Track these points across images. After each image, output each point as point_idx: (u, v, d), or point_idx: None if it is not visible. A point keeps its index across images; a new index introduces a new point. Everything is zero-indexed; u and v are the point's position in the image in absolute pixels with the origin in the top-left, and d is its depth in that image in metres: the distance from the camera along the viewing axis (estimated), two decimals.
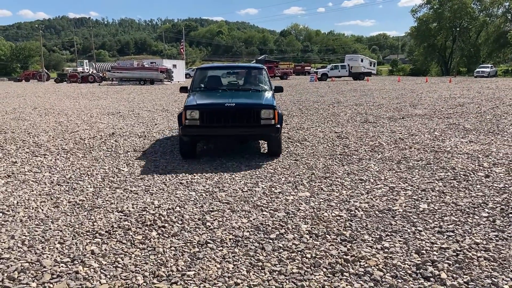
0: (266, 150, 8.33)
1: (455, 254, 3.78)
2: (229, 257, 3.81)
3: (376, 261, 3.69)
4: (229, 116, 7.47)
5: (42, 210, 5.13)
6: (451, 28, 76.81)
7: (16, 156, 8.19)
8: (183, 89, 9.41)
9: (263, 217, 4.77)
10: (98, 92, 30.27)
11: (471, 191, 5.61)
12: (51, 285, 3.36)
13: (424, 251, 3.84)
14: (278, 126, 7.60)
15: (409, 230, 4.34)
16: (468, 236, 4.17)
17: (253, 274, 3.52)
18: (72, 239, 4.23)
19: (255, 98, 8.32)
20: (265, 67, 9.92)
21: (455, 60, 75.95)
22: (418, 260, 3.68)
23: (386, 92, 25.73)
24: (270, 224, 4.55)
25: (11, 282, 3.41)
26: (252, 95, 8.62)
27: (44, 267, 3.63)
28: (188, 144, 7.79)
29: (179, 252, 3.93)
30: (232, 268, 3.62)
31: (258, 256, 3.82)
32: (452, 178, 6.23)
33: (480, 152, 7.90)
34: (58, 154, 8.35)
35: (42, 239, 4.23)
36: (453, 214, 4.78)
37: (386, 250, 3.90)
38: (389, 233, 4.27)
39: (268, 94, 8.49)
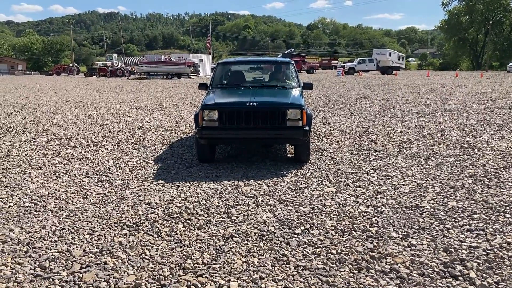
0: (293, 155, 7.48)
1: (485, 253, 3.70)
2: (254, 251, 3.82)
3: (402, 258, 3.64)
4: (251, 117, 6.66)
5: (72, 201, 5.25)
6: (483, 21, 74.73)
7: (47, 148, 8.40)
8: (202, 86, 8.56)
9: (288, 212, 4.77)
10: (126, 86, 30.73)
11: (502, 189, 5.47)
12: (81, 275, 3.44)
13: (452, 250, 3.77)
14: (307, 128, 6.68)
15: (437, 228, 4.26)
16: (499, 235, 4.06)
17: (277, 268, 3.53)
18: (101, 230, 4.32)
19: (281, 97, 7.43)
20: (292, 61, 8.99)
21: (487, 54, 73.92)
22: (446, 259, 3.61)
23: (414, 86, 25.27)
24: (295, 219, 4.54)
25: (43, 270, 3.51)
26: (277, 93, 7.73)
27: (74, 257, 3.73)
28: (205, 147, 7.07)
29: (205, 245, 3.97)
30: (257, 262, 3.64)
31: (283, 251, 3.82)
32: (483, 175, 6.09)
33: None
34: (87, 147, 8.53)
35: (72, 229, 4.34)
36: (483, 212, 4.67)
37: (413, 247, 3.85)
38: (416, 230, 4.21)
39: (296, 92, 7.59)
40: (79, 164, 7.13)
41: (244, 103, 6.73)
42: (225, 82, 8.37)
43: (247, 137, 6.88)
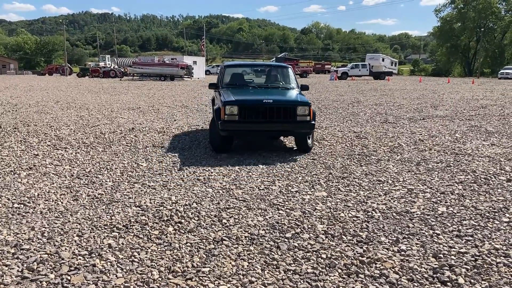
0: (295, 147, 8.54)
1: (473, 259, 3.72)
2: (244, 255, 3.81)
3: (392, 263, 3.66)
4: (267, 112, 7.68)
5: (62, 202, 5.21)
6: (475, 28, 75.46)
7: (38, 149, 8.34)
8: (212, 85, 9.40)
9: (279, 216, 4.77)
10: (119, 87, 30.62)
11: (491, 195, 5.51)
12: (69, 277, 3.41)
13: (441, 255, 3.79)
14: (313, 122, 7.90)
15: (426, 233, 4.28)
16: (487, 241, 4.09)
17: (267, 272, 3.52)
18: (90, 232, 4.29)
19: (289, 96, 8.57)
20: (290, 66, 10.09)
21: (479, 61, 74.55)
22: (435, 264, 3.63)
23: (407, 92, 25.42)
24: (286, 223, 4.54)
25: (30, 272, 3.48)
26: (284, 92, 8.85)
27: (63, 259, 3.70)
28: (224, 139, 7.99)
29: (195, 248, 3.95)
30: (247, 266, 3.63)
31: (273, 255, 3.82)
32: (473, 181, 6.13)
33: (502, 156, 7.75)
34: (78, 148, 8.48)
35: (61, 231, 4.31)
36: (473, 218, 4.70)
37: (402, 252, 3.86)
38: (406, 236, 4.23)
39: (298, 92, 8.78)
40: (69, 165, 7.09)
41: (261, 101, 7.80)
42: (233, 83, 9.25)
43: (263, 129, 7.96)
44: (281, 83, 9.41)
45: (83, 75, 58.60)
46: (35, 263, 3.62)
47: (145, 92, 25.71)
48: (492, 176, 6.35)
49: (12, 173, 6.56)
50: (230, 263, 3.67)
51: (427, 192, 5.66)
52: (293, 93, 8.68)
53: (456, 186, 5.89)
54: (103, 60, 72.05)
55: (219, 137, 7.94)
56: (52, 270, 3.53)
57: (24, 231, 4.30)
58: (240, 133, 8.29)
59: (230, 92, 8.43)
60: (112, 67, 60.62)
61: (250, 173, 6.62)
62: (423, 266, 3.62)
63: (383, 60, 59.24)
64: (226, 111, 7.66)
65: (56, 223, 4.51)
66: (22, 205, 5.09)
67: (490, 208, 5.00)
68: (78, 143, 8.93)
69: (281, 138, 9.64)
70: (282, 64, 10.91)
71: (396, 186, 5.94)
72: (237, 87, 8.99)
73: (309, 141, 8.26)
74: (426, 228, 4.43)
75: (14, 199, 5.30)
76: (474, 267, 3.58)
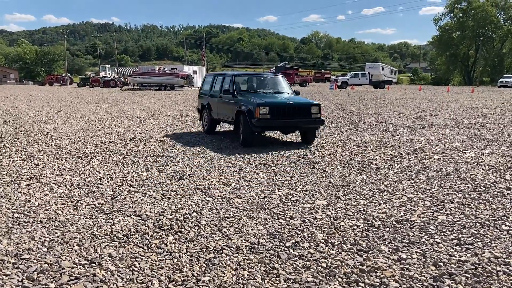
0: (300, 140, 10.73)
1: (473, 267, 3.72)
2: (245, 264, 3.81)
3: (392, 272, 3.65)
4: (290, 111, 9.81)
5: (62, 212, 5.22)
6: (474, 37, 75.75)
7: (38, 159, 8.36)
8: (226, 92, 10.95)
9: (279, 225, 4.77)
10: (119, 97, 30.70)
11: (491, 203, 5.51)
12: (69, 287, 3.41)
13: (441, 264, 3.79)
14: (323, 119, 10.29)
15: (426, 242, 4.28)
16: (487, 249, 4.09)
17: (268, 281, 3.52)
18: (91, 241, 4.29)
19: (301, 99, 10.66)
20: (283, 75, 12.60)
21: (478, 70, 74.78)
22: (435, 273, 3.63)
23: (406, 101, 25.49)
24: (286, 232, 4.54)
25: (31, 282, 3.48)
26: (294, 96, 10.85)
27: (63, 268, 3.70)
28: (253, 135, 10.02)
29: (195, 257, 3.95)
30: (247, 275, 3.63)
31: (273, 264, 3.81)
32: (472, 190, 6.14)
33: (502, 164, 7.76)
34: (79, 157, 8.49)
35: (61, 241, 4.31)
36: (473, 226, 4.70)
37: (402, 261, 3.86)
38: (406, 244, 4.23)
39: (300, 96, 11.18)
40: (70, 175, 7.10)
41: (286, 102, 10.02)
42: (244, 89, 11.29)
43: (287, 125, 10.11)
44: (283, 89, 11.42)
45: (84, 85, 58.75)
46: (35, 272, 3.62)
47: (145, 101, 25.78)
48: (492, 185, 6.36)
49: (13, 182, 6.57)
50: (230, 272, 3.67)
51: (427, 200, 5.66)
52: (300, 97, 10.96)
53: (456, 195, 5.90)
54: (103, 70, 72.28)
55: (248, 133, 9.89)
56: (52, 279, 3.52)
57: (24, 240, 4.30)
58: (270, 129, 10.52)
59: (251, 96, 10.49)
60: (112, 76, 60.82)
61: (250, 182, 6.62)
62: (423, 274, 3.61)
63: (382, 69, 59.42)
64: (260, 111, 9.54)
65: (56, 233, 4.51)
66: (22, 215, 5.09)
67: (490, 217, 5.00)
68: (78, 153, 8.95)
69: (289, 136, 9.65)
70: (279, 74, 13.20)
71: (396, 194, 5.95)
72: (252, 93, 11.03)
73: (314, 136, 10.39)
74: (426, 236, 4.43)
75: (14, 209, 5.30)
76: (474, 276, 3.58)
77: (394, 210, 5.29)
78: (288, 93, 11.10)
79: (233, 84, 10.94)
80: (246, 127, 9.80)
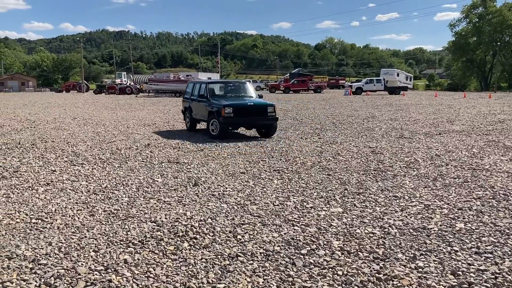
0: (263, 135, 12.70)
1: (493, 277, 3.64)
2: (260, 271, 3.79)
3: (409, 280, 3.60)
4: (250, 111, 12.36)
5: (78, 218, 5.26)
6: (491, 43, 74.74)
7: (55, 165, 8.46)
8: (201, 96, 13.39)
9: (294, 232, 4.74)
10: (135, 104, 30.99)
11: (511, 211, 5.41)
12: None
13: (460, 272, 3.72)
14: (277, 117, 12.67)
15: (444, 250, 4.21)
16: (507, 258, 4.01)
17: None
18: (106, 247, 4.31)
19: (260, 100, 13.15)
20: (249, 81, 16.58)
21: (496, 75, 73.72)
22: (454, 282, 3.57)
23: (422, 107, 25.27)
24: (301, 239, 4.51)
25: (48, 287, 3.50)
26: (254, 99, 13.24)
27: (79, 274, 3.72)
28: (225, 129, 12.15)
29: (210, 264, 3.95)
30: (262, 282, 3.61)
31: (289, 271, 3.79)
32: (491, 197, 6.03)
33: None
34: (95, 164, 8.58)
35: (77, 246, 4.34)
36: (492, 234, 4.62)
37: (420, 269, 3.80)
38: (423, 252, 4.16)
39: (261, 98, 13.69)
40: (86, 181, 7.16)
41: (246, 104, 12.61)
42: (216, 94, 13.57)
43: (248, 122, 12.49)
44: (247, 93, 13.82)
45: (100, 92, 59.45)
46: (52, 278, 3.65)
47: (160, 108, 25.97)
48: (511, 192, 6.24)
49: (30, 188, 6.66)
50: (246, 279, 3.66)
51: (444, 208, 5.58)
52: (260, 99, 13.45)
53: (474, 202, 5.81)
54: (119, 77, 73.21)
55: (220, 127, 12.09)
56: (68, 285, 3.55)
57: (41, 246, 4.35)
58: (234, 125, 12.61)
59: (221, 99, 12.78)
60: (128, 84, 61.47)
61: (265, 189, 6.61)
62: (441, 283, 3.55)
63: (398, 75, 59.04)
64: (226, 111, 11.83)
65: (72, 238, 4.55)
66: (40, 220, 5.15)
67: (510, 225, 4.90)
68: (94, 159, 9.03)
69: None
70: (244, 80, 17.27)
71: (413, 202, 5.88)
72: (222, 96, 13.26)
73: (274, 130, 12.61)
74: (444, 244, 4.36)
75: (32, 215, 5.37)
76: (494, 285, 3.51)
77: (411, 217, 5.22)
78: (253, 97, 13.48)
79: (207, 90, 13.40)
80: (215, 124, 12.18)
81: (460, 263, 3.92)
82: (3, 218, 5.23)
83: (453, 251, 4.19)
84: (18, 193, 6.40)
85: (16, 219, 5.21)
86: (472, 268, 3.81)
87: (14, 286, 3.52)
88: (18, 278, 3.66)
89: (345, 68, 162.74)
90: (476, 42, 75.59)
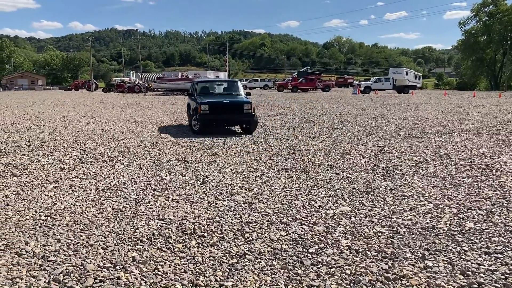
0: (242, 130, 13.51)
1: (503, 277, 3.61)
2: (267, 270, 3.79)
3: (418, 280, 3.58)
4: (225, 108, 12.92)
5: (87, 215, 5.29)
6: (501, 41, 74.14)
7: (64, 162, 8.51)
8: (190, 94, 14.85)
9: (302, 231, 4.73)
10: (143, 102, 31.10)
11: None
12: None
13: (470, 273, 3.69)
14: (254, 114, 13.03)
15: (454, 250, 4.18)
16: None
17: None
18: (115, 245, 4.33)
19: (239, 98, 13.74)
20: (238, 80, 16.86)
21: (506, 74, 73.05)
22: (464, 282, 3.54)
23: (431, 106, 25.11)
24: (309, 238, 4.50)
25: (57, 284, 3.53)
26: (236, 96, 14.03)
27: (88, 271, 3.74)
28: (202, 125, 12.89)
29: (218, 262, 3.95)
30: (270, 280, 3.60)
31: (297, 270, 3.78)
32: (501, 197, 5.98)
33: None
34: (103, 162, 8.62)
35: (86, 243, 4.36)
36: (502, 235, 4.58)
37: (429, 269, 3.78)
38: (432, 252, 4.14)
39: (244, 96, 14.19)
40: (95, 179, 7.20)
41: (222, 101, 13.17)
42: (203, 91, 14.42)
43: (224, 118, 13.17)
44: (235, 91, 14.51)
45: (109, 90, 59.72)
46: (61, 274, 3.67)
47: (168, 106, 26.04)
48: None
49: (40, 186, 6.71)
50: (253, 277, 3.65)
51: (453, 207, 5.54)
52: (241, 97, 13.94)
53: (483, 202, 5.76)
54: (128, 76, 73.45)
55: (198, 124, 12.87)
56: (77, 282, 3.57)
57: (50, 243, 4.38)
58: (210, 121, 13.06)
59: (202, 97, 13.60)
60: (136, 82, 61.68)
61: (272, 187, 6.60)
62: (450, 283, 3.53)
63: (406, 74, 58.69)
64: (202, 108, 12.69)
65: (81, 236, 4.58)
66: (49, 218, 5.19)
67: None
68: (103, 157, 9.08)
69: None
70: (234, 79, 18.15)
71: (422, 201, 5.84)
72: (206, 94, 14.15)
73: (254, 127, 13.20)
74: (453, 244, 4.33)
75: (41, 212, 5.41)
76: (504, 286, 3.48)
77: (419, 217, 5.19)
78: (241, 95, 14.23)
79: (195, 88, 14.55)
80: (196, 120, 13.01)
81: (469, 263, 3.89)
82: (13, 215, 5.27)
83: (463, 251, 4.16)
84: (28, 190, 6.45)
85: (26, 216, 5.25)
86: (482, 268, 3.78)
87: (24, 282, 3.55)
88: (27, 274, 3.69)
89: (353, 67, 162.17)
90: (486, 41, 75.01)
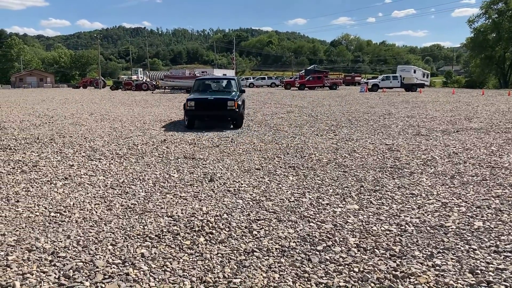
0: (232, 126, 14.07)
1: None
2: (275, 267, 3.80)
3: (426, 278, 3.57)
4: (210, 104, 13.69)
5: (96, 212, 5.33)
6: (510, 39, 73.44)
7: (73, 160, 8.57)
8: (188, 91, 16.71)
9: (310, 228, 4.74)
10: (151, 100, 31.20)
11: None
12: (103, 285, 3.48)
13: (478, 271, 3.68)
14: (237, 110, 13.55)
15: (462, 248, 4.17)
16: None
17: (299, 285, 3.50)
18: (124, 241, 4.37)
19: (226, 95, 14.34)
20: (235, 78, 18.20)
21: None
22: (472, 280, 3.53)
23: (439, 104, 24.96)
24: (317, 236, 4.51)
25: (67, 280, 3.57)
26: (225, 93, 14.74)
27: (97, 267, 3.77)
28: (190, 121, 13.77)
29: (226, 259, 3.97)
30: (278, 278, 3.62)
31: (305, 268, 3.79)
32: (510, 195, 5.94)
33: None
34: (112, 159, 8.67)
35: (95, 240, 4.40)
36: (511, 233, 4.55)
37: (437, 267, 3.77)
38: (441, 250, 4.13)
39: (235, 93, 14.74)
40: (103, 176, 7.25)
41: (207, 98, 13.87)
42: (198, 88, 15.65)
43: (208, 114, 13.92)
44: (230, 89, 15.51)
45: (116, 88, 59.97)
46: (71, 270, 3.71)
47: (176, 104, 26.10)
48: None
49: (49, 183, 6.76)
50: (261, 274, 3.67)
51: (462, 206, 5.52)
52: (230, 94, 14.48)
53: (492, 200, 5.73)
54: (135, 74, 73.72)
55: (187, 119, 13.81)
56: (87, 278, 3.60)
57: (60, 239, 4.42)
58: (196, 117, 13.91)
59: (194, 93, 14.87)
60: (144, 80, 61.87)
61: (280, 185, 6.61)
62: (459, 282, 3.52)
63: (414, 71, 58.37)
64: (189, 104, 13.58)
65: (90, 232, 4.62)
66: (58, 214, 5.23)
67: None
68: (111, 154, 9.13)
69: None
70: (230, 76, 19.31)
71: (430, 199, 5.82)
72: (200, 91, 15.31)
73: (239, 122, 13.96)
74: (462, 243, 4.31)
75: (51, 208, 5.46)
76: None
77: (428, 215, 5.18)
78: (233, 92, 14.96)
79: (194, 85, 15.96)
80: (185, 115, 14.01)
81: (478, 261, 3.88)
82: (23, 211, 5.33)
83: (471, 249, 4.15)
84: (37, 187, 6.51)
85: (36, 212, 5.30)
86: (491, 267, 3.77)
87: (34, 278, 3.59)
88: (38, 270, 3.73)
89: (361, 65, 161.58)
90: (495, 39, 74.32)
